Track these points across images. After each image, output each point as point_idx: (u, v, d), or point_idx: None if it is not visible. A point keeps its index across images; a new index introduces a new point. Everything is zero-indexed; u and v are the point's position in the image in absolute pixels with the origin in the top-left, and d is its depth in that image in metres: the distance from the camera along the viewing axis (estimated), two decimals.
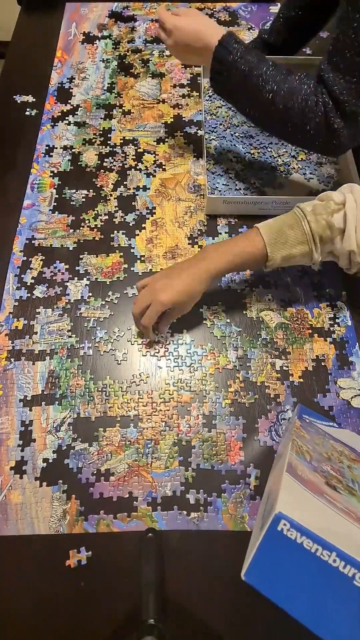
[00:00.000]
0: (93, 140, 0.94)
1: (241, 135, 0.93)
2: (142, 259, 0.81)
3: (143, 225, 0.84)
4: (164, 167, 0.91)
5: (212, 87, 0.74)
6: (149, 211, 0.86)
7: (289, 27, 0.91)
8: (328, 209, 0.63)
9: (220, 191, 0.86)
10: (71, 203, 0.86)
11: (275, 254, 0.64)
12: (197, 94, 1.00)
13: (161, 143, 0.94)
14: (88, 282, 0.79)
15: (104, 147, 0.93)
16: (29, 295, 0.77)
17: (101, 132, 0.95)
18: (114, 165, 0.91)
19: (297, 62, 0.98)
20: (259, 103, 0.68)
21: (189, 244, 0.83)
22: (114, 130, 0.95)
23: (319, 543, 0.31)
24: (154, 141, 0.94)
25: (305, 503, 0.36)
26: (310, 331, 0.75)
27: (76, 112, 0.98)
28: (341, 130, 0.64)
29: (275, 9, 1.15)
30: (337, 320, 0.76)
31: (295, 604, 0.32)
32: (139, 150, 0.93)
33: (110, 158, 0.91)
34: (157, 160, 0.92)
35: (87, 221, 0.85)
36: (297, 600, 0.32)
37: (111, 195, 0.88)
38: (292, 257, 0.65)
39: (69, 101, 0.99)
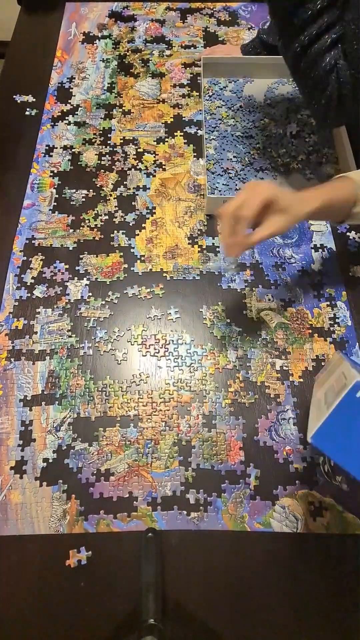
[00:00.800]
0: (93, 140, 0.94)
1: (241, 135, 0.93)
2: (142, 258, 0.81)
3: (143, 225, 0.84)
4: (164, 167, 0.91)
5: None
6: (149, 211, 0.86)
7: None
8: None
9: (220, 191, 0.86)
10: (71, 203, 0.86)
11: None
12: (197, 93, 1.00)
13: (161, 143, 0.94)
14: (88, 282, 0.79)
15: (104, 147, 0.93)
16: (29, 295, 0.77)
17: (101, 132, 0.95)
18: (115, 165, 0.91)
19: None
20: None
21: (189, 243, 0.83)
22: (114, 130, 0.95)
23: None
24: (154, 141, 0.94)
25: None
26: (310, 331, 0.75)
27: (76, 112, 0.98)
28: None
29: None
30: (337, 320, 0.76)
31: (355, 462, 0.36)
32: (139, 150, 0.93)
33: (109, 157, 0.91)
34: (157, 160, 0.92)
35: (87, 221, 0.85)
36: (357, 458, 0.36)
37: (111, 195, 0.87)
38: None
39: (69, 101, 0.99)
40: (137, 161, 0.91)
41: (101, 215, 0.85)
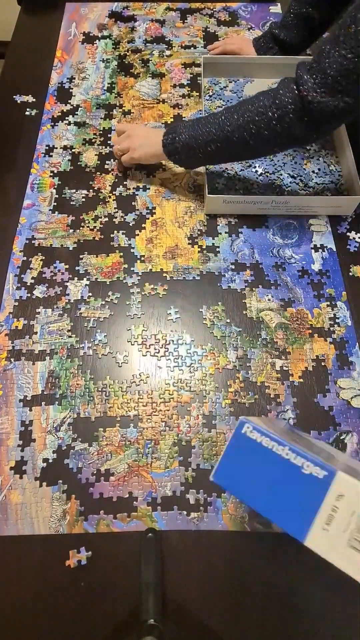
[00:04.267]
0: (93, 140, 0.94)
1: None
2: (142, 259, 0.81)
3: (143, 225, 0.84)
4: (164, 167, 0.91)
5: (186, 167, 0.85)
6: (148, 211, 0.86)
7: (299, 23, 0.92)
8: None
9: (220, 191, 0.86)
10: (71, 203, 0.86)
11: None
12: (197, 94, 1.00)
13: None
14: (88, 282, 0.79)
15: (103, 147, 0.93)
16: (29, 295, 0.77)
17: (101, 132, 0.95)
18: (115, 166, 0.91)
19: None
20: (236, 145, 0.72)
21: (188, 243, 0.83)
22: (114, 130, 0.95)
23: (275, 441, 0.38)
24: None
25: (269, 424, 0.44)
26: (310, 331, 0.75)
27: (76, 112, 0.98)
28: (317, 103, 0.62)
29: (275, 8, 1.15)
30: (337, 320, 0.76)
31: (255, 497, 0.38)
32: None
33: (109, 158, 0.92)
34: None
35: (87, 221, 0.85)
36: (256, 494, 0.38)
37: (109, 197, 0.87)
38: None
39: (69, 101, 0.99)
40: None
41: (101, 218, 0.85)
